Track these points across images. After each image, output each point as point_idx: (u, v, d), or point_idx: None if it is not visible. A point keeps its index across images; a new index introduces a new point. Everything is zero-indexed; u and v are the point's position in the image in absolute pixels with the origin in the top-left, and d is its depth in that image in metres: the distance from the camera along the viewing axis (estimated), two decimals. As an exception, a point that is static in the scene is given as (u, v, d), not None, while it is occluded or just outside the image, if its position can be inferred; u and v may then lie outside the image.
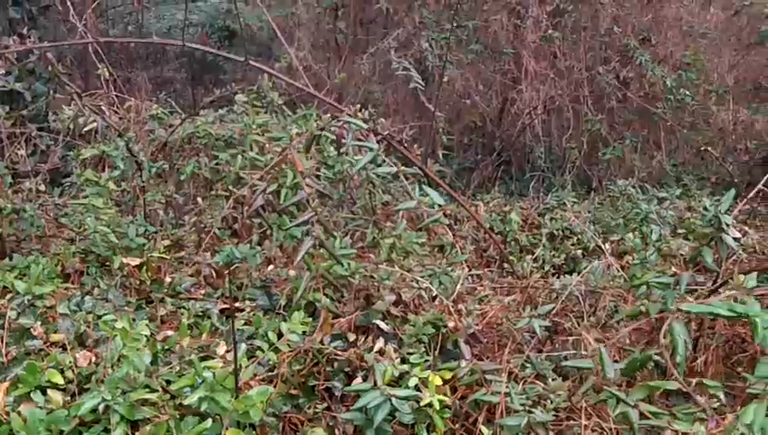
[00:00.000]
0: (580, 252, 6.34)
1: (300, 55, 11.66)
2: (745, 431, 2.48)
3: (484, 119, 11.62)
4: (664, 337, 2.68)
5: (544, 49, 10.44)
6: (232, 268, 4.29)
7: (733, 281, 2.79)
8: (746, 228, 5.33)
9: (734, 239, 3.35)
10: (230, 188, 5.08)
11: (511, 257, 6.07)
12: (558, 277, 4.73)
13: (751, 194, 4.48)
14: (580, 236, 6.50)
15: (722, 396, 2.83)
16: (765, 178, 4.24)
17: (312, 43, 12.71)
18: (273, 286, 4.19)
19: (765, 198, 7.16)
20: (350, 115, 4.36)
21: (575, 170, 10.53)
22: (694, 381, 2.81)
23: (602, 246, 5.53)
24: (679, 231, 5.87)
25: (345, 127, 4.31)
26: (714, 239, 3.40)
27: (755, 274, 2.80)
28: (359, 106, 4.68)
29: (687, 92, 10.70)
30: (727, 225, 3.35)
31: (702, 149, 10.27)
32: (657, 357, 2.87)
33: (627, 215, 6.76)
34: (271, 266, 4.43)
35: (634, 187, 7.89)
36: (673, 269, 4.48)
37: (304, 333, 3.44)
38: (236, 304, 3.94)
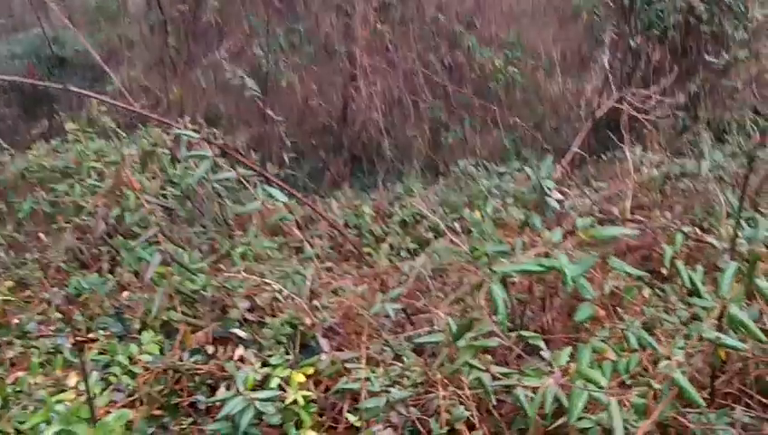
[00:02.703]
0: (431, 235, 6.54)
1: (132, 75, 11.42)
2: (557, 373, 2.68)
3: (330, 118, 11.77)
4: (485, 298, 2.85)
5: (376, 43, 10.69)
6: (83, 299, 4.20)
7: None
8: (567, 191, 5.70)
9: (557, 201, 3.59)
10: (71, 218, 4.94)
11: (367, 248, 6.20)
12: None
13: (567, 157, 4.80)
14: (428, 220, 6.70)
15: (542, 345, 3.04)
16: (575, 141, 4.56)
17: (146, 62, 12.47)
18: (127, 312, 4.12)
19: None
20: (180, 128, 4.34)
21: (422, 157, 10.84)
22: (513, 335, 2.99)
23: (450, 226, 5.75)
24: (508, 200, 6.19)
25: (178, 140, 4.29)
26: (539, 204, 3.62)
27: (559, 228, 3.03)
28: (188, 118, 4.67)
29: (516, 70, 11.25)
30: (549, 189, 3.58)
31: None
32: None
33: (470, 193, 7.04)
34: (125, 293, 4.35)
35: (476, 165, 8.21)
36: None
37: (161, 352, 3.43)
38: (90, 335, 3.85)
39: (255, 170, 4.33)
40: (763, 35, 9.69)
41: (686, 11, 10.02)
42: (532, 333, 3.14)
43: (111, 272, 4.49)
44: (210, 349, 3.58)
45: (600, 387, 2.60)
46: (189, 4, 11.17)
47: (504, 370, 3.12)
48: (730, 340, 2.77)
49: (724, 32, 10.12)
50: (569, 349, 2.88)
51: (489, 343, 2.92)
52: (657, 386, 2.69)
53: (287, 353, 3.55)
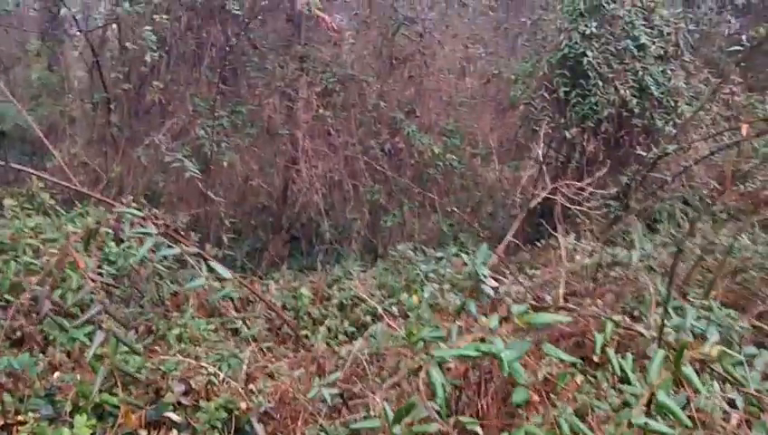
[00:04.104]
0: (369, 318, 6.55)
1: (73, 151, 11.34)
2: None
3: (270, 199, 11.83)
4: (423, 383, 2.89)
5: (318, 127, 10.88)
6: (14, 379, 4.07)
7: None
8: (502, 278, 5.82)
9: (492, 288, 3.68)
10: (5, 296, 4.83)
11: (304, 331, 6.18)
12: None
13: (501, 245, 4.92)
14: (366, 303, 6.72)
15: (479, 430, 3.07)
16: (510, 230, 4.69)
17: (87, 139, 12.40)
18: (58, 393, 4.01)
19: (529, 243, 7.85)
20: (123, 206, 4.34)
21: (361, 240, 10.93)
22: (452, 420, 3.02)
23: (388, 310, 5.79)
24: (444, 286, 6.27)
25: (120, 219, 4.28)
26: (474, 290, 3.71)
27: (497, 314, 3.10)
28: (131, 197, 4.67)
29: (454, 157, 11.55)
30: (484, 276, 3.67)
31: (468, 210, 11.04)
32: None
33: (408, 277, 7.11)
34: (57, 373, 4.24)
35: (414, 249, 8.31)
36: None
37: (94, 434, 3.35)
38: (18, 417, 3.73)
39: (195, 251, 4.33)
40: (691, 130, 10.16)
41: (619, 105, 10.51)
42: (470, 419, 3.16)
43: (43, 352, 4.38)
44: (143, 433, 3.51)
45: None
46: (133, 83, 11.22)
47: (439, 456, 3.13)
48: (658, 425, 2.84)
49: (654, 126, 10.63)
50: (504, 434, 2.92)
51: (427, 428, 2.94)
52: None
53: (221, 439, 3.50)
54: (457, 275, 6.56)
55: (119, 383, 3.77)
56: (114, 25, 12.07)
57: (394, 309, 6.21)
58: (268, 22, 11.94)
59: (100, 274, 4.96)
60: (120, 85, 11.00)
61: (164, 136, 9.62)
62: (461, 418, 3.11)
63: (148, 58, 9.42)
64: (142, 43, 9.45)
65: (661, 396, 2.82)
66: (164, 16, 9.84)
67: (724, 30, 13.94)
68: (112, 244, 5.27)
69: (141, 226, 4.44)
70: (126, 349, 3.98)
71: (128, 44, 10.40)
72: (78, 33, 12.46)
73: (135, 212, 4.19)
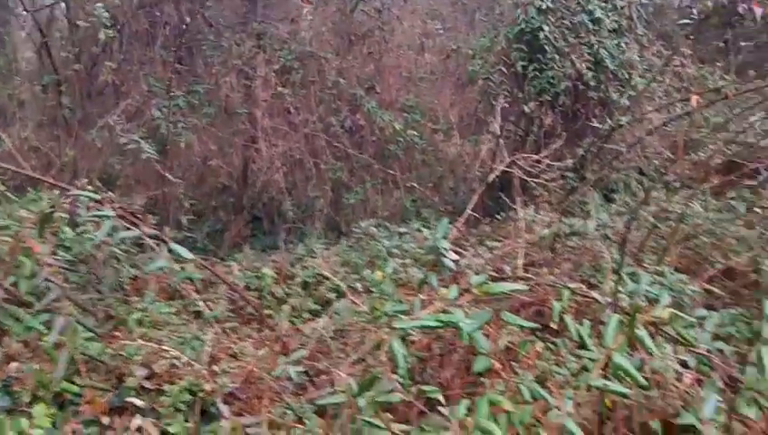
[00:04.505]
0: (333, 295, 6.56)
1: (23, 135, 11.12)
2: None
3: (230, 179, 11.74)
4: (386, 356, 2.93)
5: (277, 105, 10.80)
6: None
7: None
8: (463, 251, 5.87)
9: (453, 261, 3.72)
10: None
11: (268, 311, 6.17)
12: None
13: (461, 219, 4.96)
14: (330, 280, 6.73)
15: (441, 398, 3.12)
16: (470, 204, 4.73)
17: (38, 122, 12.17)
18: (15, 384, 3.97)
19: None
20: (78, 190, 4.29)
21: (323, 218, 10.91)
22: (415, 389, 3.06)
23: (352, 286, 5.81)
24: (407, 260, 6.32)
25: (76, 202, 4.23)
26: (436, 264, 3.75)
27: (456, 286, 3.15)
28: (85, 181, 4.60)
29: (415, 132, 11.56)
30: (445, 249, 3.71)
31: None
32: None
33: (371, 253, 7.13)
34: (14, 364, 4.18)
35: (378, 226, 8.33)
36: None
37: (54, 425, 3.32)
38: (-26, 410, 3.69)
39: (153, 233, 4.29)
40: (644, 102, 10.30)
41: (576, 78, 10.60)
42: (432, 387, 3.21)
43: (-1, 342, 4.32)
44: (106, 419, 3.49)
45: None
46: (85, 63, 11.02)
47: (405, 427, 3.17)
48: (615, 386, 2.92)
49: (609, 98, 10.75)
50: (466, 402, 2.97)
51: (390, 398, 2.97)
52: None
53: (186, 421, 3.50)
54: (420, 250, 6.59)
55: (80, 370, 3.74)
56: (63, 4, 11.82)
57: (358, 285, 6.23)
58: (224, -1, 11.82)
59: (56, 260, 4.90)
60: (70, 66, 10.80)
61: (118, 117, 9.46)
62: (423, 387, 3.15)
63: (101, 36, 9.22)
64: (94, 21, 9.25)
65: (617, 359, 2.90)
66: (115, -7, 9.66)
67: (676, 3, 14.10)
68: (68, 229, 5.19)
69: (98, 209, 4.39)
70: (86, 335, 3.95)
71: (79, 22, 10.19)
72: (24, 12, 12.19)
73: (90, 195, 4.15)
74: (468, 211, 4.68)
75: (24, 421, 3.26)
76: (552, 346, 4.12)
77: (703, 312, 4.05)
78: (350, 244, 8.47)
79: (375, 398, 3.01)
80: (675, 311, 3.29)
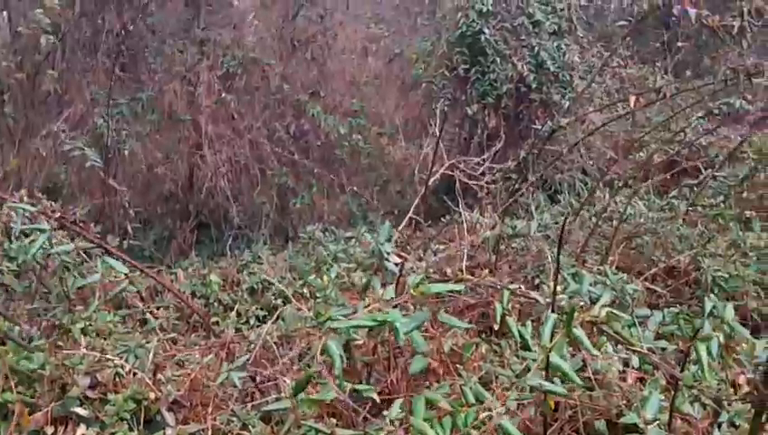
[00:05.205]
0: (280, 301, 6.57)
1: (-36, 145, 10.89)
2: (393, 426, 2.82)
3: (176, 186, 11.65)
4: (321, 354, 2.96)
5: (221, 112, 10.77)
6: None
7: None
8: (405, 255, 5.91)
9: (395, 265, 3.77)
10: None
11: (215, 318, 6.16)
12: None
13: (403, 222, 5.02)
14: (276, 286, 6.74)
15: (375, 397, 3.16)
16: (412, 207, 4.80)
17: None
18: (-47, 397, 3.91)
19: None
20: (15, 201, 4.24)
21: (270, 223, 10.91)
22: (348, 387, 3.09)
23: (299, 292, 5.83)
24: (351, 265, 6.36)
25: (12, 213, 4.18)
26: (379, 267, 3.79)
27: (393, 286, 3.20)
28: (24, 191, 4.54)
29: (360, 137, 11.63)
30: (388, 253, 3.76)
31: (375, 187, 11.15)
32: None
33: (318, 258, 7.16)
34: (-48, 376, 4.12)
35: (324, 230, 8.36)
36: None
37: (-4, 436, 3.29)
38: None
39: (95, 243, 4.26)
40: (585, 103, 10.52)
41: (517, 80, 10.78)
42: (366, 386, 3.25)
43: (-62, 354, 4.24)
44: (50, 430, 3.46)
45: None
46: (27, 72, 10.82)
47: (349, 432, 3.20)
48: (552, 386, 2.99)
49: (551, 100, 10.95)
50: (401, 400, 3.01)
51: (325, 396, 3.01)
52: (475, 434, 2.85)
53: (131, 430, 3.49)
54: (365, 255, 6.64)
55: (15, 383, 3.70)
56: (4, 12, 11.60)
57: (304, 291, 6.25)
58: (166, 5, 11.70)
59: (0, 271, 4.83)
60: (12, 75, 10.59)
61: (62, 126, 9.34)
62: (357, 386, 3.19)
63: (43, 41, 9.07)
64: (35, 28, 9.10)
65: (553, 358, 2.96)
66: (56, 1, 9.51)
67: (614, 4, 14.42)
68: (13, 239, 5.12)
69: (36, 221, 4.35)
70: (31, 346, 3.92)
71: (20, 29, 10.00)
72: (-35, 21, 11.92)
73: (27, 207, 4.11)
74: (410, 214, 4.74)
75: (-38, 435, 3.22)
76: (497, 348, 4.20)
77: (645, 311, 4.14)
78: (297, 249, 8.48)
79: (312, 396, 3.05)
80: (612, 310, 3.36)
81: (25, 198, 4.43)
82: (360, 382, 3.95)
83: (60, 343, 4.30)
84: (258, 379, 4.12)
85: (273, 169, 11.08)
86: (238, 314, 6.32)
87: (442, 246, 6.53)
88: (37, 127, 10.62)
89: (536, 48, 10.84)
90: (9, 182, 9.75)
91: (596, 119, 9.51)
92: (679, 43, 12.01)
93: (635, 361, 3.72)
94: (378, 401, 3.21)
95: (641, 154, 8.84)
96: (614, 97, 10.73)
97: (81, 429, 3.42)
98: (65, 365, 3.87)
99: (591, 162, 10.39)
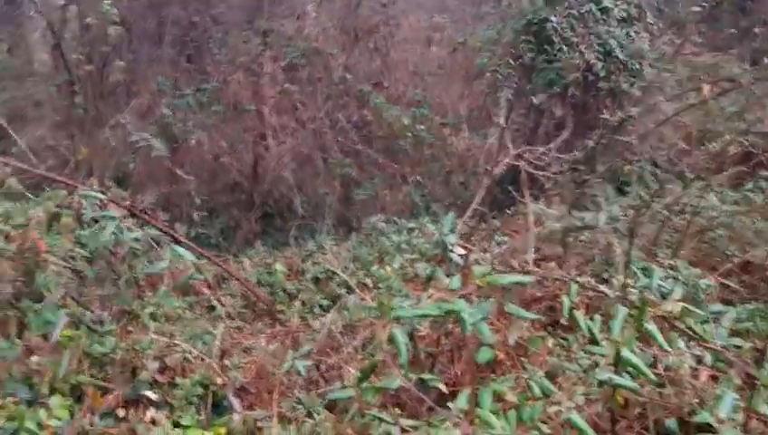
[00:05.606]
0: (343, 290, 6.59)
1: (38, 135, 11.21)
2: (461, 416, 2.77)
3: (241, 176, 11.78)
4: (388, 343, 2.94)
5: (284, 102, 10.83)
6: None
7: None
8: (470, 246, 5.84)
9: (460, 256, 3.72)
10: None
11: (280, 306, 6.21)
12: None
13: (467, 214, 4.96)
14: (340, 276, 6.75)
15: (442, 387, 3.12)
16: (476, 198, 4.73)
17: (53, 122, 12.27)
18: (35, 376, 4.02)
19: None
20: (86, 189, 4.33)
21: (333, 213, 10.93)
22: (415, 377, 3.06)
23: (362, 282, 5.84)
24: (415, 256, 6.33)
25: (82, 201, 4.27)
26: (443, 258, 3.75)
27: (458, 276, 3.15)
28: (94, 180, 4.64)
29: (423, 127, 11.55)
30: (451, 244, 3.72)
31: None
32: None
33: (381, 249, 7.15)
34: (33, 357, 4.24)
35: (387, 221, 8.35)
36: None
37: (71, 416, 3.36)
38: (-7, 403, 3.74)
39: (164, 231, 4.33)
40: (655, 91, 10.24)
41: (585, 69, 10.56)
42: (431, 376, 3.22)
43: (20, 336, 4.37)
44: (121, 412, 3.53)
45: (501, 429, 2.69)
46: (96, 64, 11.09)
47: (413, 422, 3.18)
48: (621, 380, 2.90)
49: (620, 88, 10.69)
50: (467, 391, 2.97)
51: (390, 384, 2.98)
52: (546, 431, 2.79)
53: (199, 414, 3.54)
54: (428, 245, 6.60)
55: (88, 365, 3.78)
56: (74, 5, 11.91)
57: (368, 281, 6.25)
58: (230, -3, 11.87)
59: (72, 257, 4.94)
60: (82, 66, 10.87)
61: (130, 116, 9.54)
62: (422, 375, 3.16)
63: (111, 32, 9.29)
64: (104, 19, 9.32)
65: (625, 353, 2.88)
66: (124, -7, 9.73)
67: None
68: (80, 227, 5.24)
69: (102, 208, 4.44)
70: (103, 330, 4.00)
71: (89, 20, 10.25)
72: (37, 14, 12.27)
73: (97, 195, 4.19)
74: (475, 205, 4.68)
75: (42, 412, 3.31)
76: (563, 342, 4.12)
77: (719, 307, 4.00)
78: (360, 239, 8.48)
79: (376, 385, 3.03)
80: (687, 305, 3.26)
81: (96, 187, 4.52)
82: (424, 374, 3.92)
83: (130, 328, 4.39)
84: (323, 367, 4.14)
85: (336, 160, 11.11)
86: (303, 303, 6.36)
87: (507, 238, 6.46)
88: (106, 117, 10.89)
89: (604, 36, 10.59)
90: (80, 171, 10.01)
91: (667, 108, 9.24)
92: (756, 29, 11.59)
93: (708, 358, 3.59)
94: (444, 390, 3.17)
95: (714, 145, 8.55)
96: (686, 86, 10.41)
97: (151, 411, 3.48)
98: (135, 349, 3.94)
99: (662, 153, 10.10)
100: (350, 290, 6.58)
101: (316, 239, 8.26)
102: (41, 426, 3.27)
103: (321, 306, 6.43)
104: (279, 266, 6.99)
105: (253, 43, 11.03)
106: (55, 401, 3.37)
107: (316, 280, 6.96)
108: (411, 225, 7.97)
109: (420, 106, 11.95)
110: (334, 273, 6.95)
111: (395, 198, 11.44)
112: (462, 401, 2.91)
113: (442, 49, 13.93)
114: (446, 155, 12.37)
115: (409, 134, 11.39)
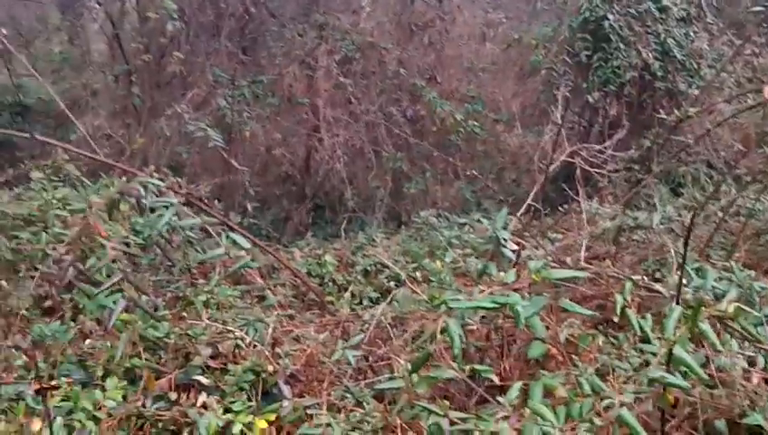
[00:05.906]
0: (393, 283, 6.61)
1: (96, 124, 11.45)
2: (509, 410, 2.77)
3: (293, 168, 11.90)
4: (441, 333, 2.94)
5: (338, 96, 10.90)
6: (46, 346, 4.19)
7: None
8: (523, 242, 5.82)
9: (512, 252, 3.72)
10: (36, 266, 4.94)
11: (329, 297, 6.26)
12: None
13: (521, 210, 4.94)
14: (390, 269, 6.78)
15: (495, 379, 3.12)
16: (531, 194, 4.71)
17: (110, 111, 12.53)
18: (89, 359, 4.13)
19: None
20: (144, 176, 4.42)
21: (384, 207, 10.97)
22: (468, 368, 3.06)
23: (412, 275, 5.85)
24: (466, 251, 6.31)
25: (142, 188, 4.36)
26: (495, 254, 3.75)
27: (513, 270, 3.15)
28: (153, 167, 4.73)
29: (476, 123, 11.52)
30: (504, 240, 3.71)
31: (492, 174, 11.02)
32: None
33: (431, 243, 7.15)
34: (88, 340, 4.35)
35: (438, 216, 8.34)
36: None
37: (125, 398, 3.45)
38: (52, 382, 3.84)
39: (219, 219, 4.40)
40: (714, 92, 10.06)
41: (642, 68, 10.42)
42: (484, 367, 3.22)
43: (74, 320, 4.49)
44: (173, 395, 3.60)
45: (551, 423, 2.69)
46: (154, 55, 11.29)
47: (462, 415, 3.19)
48: (674, 379, 2.87)
49: (677, 88, 10.54)
50: (519, 384, 2.97)
51: (442, 374, 3.00)
52: (599, 422, 2.77)
53: (249, 400, 3.59)
54: (479, 241, 6.59)
55: (143, 349, 3.87)
56: (134, -3, 12.16)
57: (417, 275, 6.27)
58: (287, -10, 11.97)
59: (127, 243, 5.05)
60: (140, 57, 11.08)
61: (186, 107, 9.68)
62: (476, 366, 3.16)
63: (169, 27, 9.46)
64: (162, 13, 9.49)
65: (677, 351, 2.86)
66: (182, -14, 9.89)
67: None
68: (138, 213, 5.35)
69: (160, 195, 4.52)
70: (158, 315, 4.09)
71: (149, 14, 10.44)
72: (97, 5, 12.54)
73: (156, 182, 4.27)
74: (529, 202, 4.66)
75: (97, 393, 3.40)
76: (614, 340, 4.09)
77: (774, 309, 3.94)
78: (410, 233, 8.50)
79: (428, 375, 3.05)
80: (741, 306, 3.21)
81: (155, 175, 4.61)
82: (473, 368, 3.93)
83: (183, 314, 4.48)
84: (372, 358, 4.17)
85: (388, 153, 11.15)
86: (352, 295, 6.40)
87: (560, 235, 6.41)
88: (162, 107, 11.07)
89: (662, 35, 10.46)
90: (135, 160, 10.21)
91: (725, 109, 9.06)
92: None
93: (761, 360, 3.54)
94: (496, 382, 3.18)
95: (772, 148, 8.37)
96: (745, 87, 10.20)
97: (203, 396, 3.53)
98: (188, 335, 4.02)
99: (719, 155, 9.91)
100: (399, 283, 6.61)
101: (366, 232, 8.29)
102: (96, 406, 3.36)
103: (370, 298, 6.47)
104: (329, 258, 7.04)
105: (308, 37, 11.12)
106: (110, 382, 3.45)
107: (365, 272, 6.99)
108: (462, 220, 7.96)
109: (473, 102, 11.92)
110: (384, 266, 6.97)
111: (446, 194, 11.45)
112: (513, 394, 2.91)
113: (496, 45, 13.88)
114: (498, 152, 12.35)
115: (462, 130, 11.37)
